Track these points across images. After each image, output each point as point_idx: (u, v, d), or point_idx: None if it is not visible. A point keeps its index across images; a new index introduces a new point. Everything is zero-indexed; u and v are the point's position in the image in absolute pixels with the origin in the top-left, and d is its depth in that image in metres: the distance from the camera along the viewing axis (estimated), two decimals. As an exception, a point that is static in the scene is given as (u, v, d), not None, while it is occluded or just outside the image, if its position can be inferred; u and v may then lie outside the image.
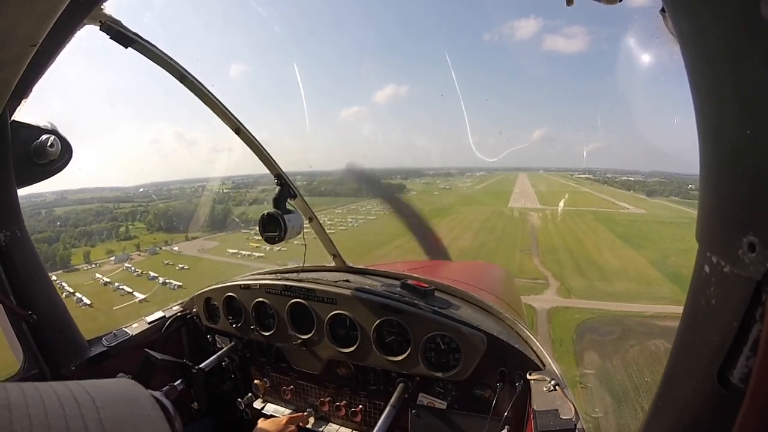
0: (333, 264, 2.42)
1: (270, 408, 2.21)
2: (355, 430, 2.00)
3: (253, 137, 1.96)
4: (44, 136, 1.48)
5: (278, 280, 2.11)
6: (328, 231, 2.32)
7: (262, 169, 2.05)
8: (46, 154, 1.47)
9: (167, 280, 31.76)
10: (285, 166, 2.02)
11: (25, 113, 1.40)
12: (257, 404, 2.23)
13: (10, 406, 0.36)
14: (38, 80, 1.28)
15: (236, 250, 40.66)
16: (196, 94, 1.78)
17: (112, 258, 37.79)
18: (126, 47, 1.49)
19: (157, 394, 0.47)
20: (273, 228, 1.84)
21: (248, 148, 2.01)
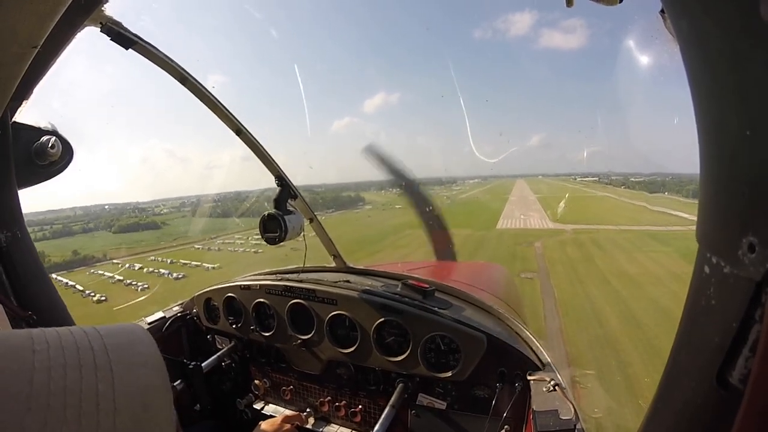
0: (333, 264, 2.42)
1: (270, 408, 2.21)
2: (354, 430, 2.00)
3: (254, 138, 1.97)
4: (45, 138, 1.48)
5: (278, 280, 2.11)
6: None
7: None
8: (47, 155, 1.47)
9: None
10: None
11: (26, 114, 1.40)
12: (257, 405, 2.24)
13: (33, 346, 0.41)
14: (39, 81, 1.28)
15: None
16: (197, 96, 1.78)
17: None
18: (126, 49, 1.50)
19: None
20: (273, 228, 1.85)
21: (249, 149, 2.01)
